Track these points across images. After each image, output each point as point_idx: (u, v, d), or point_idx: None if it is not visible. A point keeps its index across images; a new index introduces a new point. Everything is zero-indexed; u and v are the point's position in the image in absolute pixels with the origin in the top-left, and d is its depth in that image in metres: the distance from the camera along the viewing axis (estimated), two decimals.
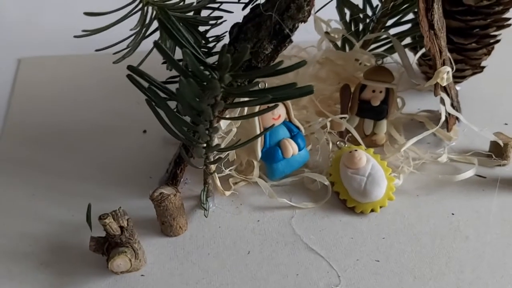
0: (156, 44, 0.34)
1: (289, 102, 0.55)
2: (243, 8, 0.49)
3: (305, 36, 0.64)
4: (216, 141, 0.46)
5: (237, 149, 0.55)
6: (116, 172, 0.57)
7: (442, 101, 0.58)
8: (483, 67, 0.68)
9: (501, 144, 0.58)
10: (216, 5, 0.48)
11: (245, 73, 0.40)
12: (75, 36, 0.38)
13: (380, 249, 0.49)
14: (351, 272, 0.47)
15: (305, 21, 0.42)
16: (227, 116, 0.46)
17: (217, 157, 0.46)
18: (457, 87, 0.72)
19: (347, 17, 0.64)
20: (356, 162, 0.53)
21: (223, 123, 0.48)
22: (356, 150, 0.54)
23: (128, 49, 0.37)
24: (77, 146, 0.62)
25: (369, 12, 0.63)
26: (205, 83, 0.38)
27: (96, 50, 0.41)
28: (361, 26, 0.61)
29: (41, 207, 0.53)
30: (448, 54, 0.62)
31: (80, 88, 0.72)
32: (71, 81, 0.73)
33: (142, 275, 0.46)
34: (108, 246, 0.44)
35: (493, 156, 0.59)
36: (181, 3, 0.40)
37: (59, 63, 0.77)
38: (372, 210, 0.52)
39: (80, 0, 0.57)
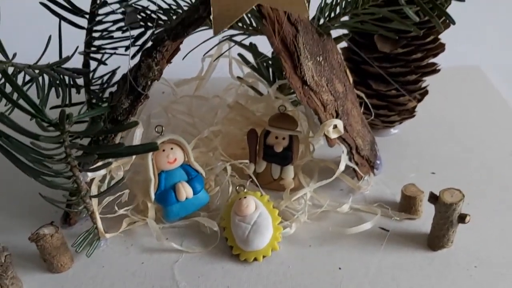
0: None
1: (187, 146, 0.56)
2: (132, 58, 0.51)
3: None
4: (93, 188, 0.49)
5: (135, 189, 0.58)
6: (25, 204, 0.60)
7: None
8: (413, 112, 0.66)
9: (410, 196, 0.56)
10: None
11: (88, 146, 0.42)
12: None
13: None
14: None
15: (157, 80, 0.43)
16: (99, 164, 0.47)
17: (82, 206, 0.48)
18: (394, 130, 0.70)
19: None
20: (243, 209, 0.53)
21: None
22: (245, 197, 0.54)
23: None
24: None
25: None
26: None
27: None
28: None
29: None
30: (366, 100, 0.62)
31: None
32: None
33: None
34: None
35: (401, 208, 0.57)
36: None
37: None
38: (255, 259, 0.52)
39: None
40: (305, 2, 0.40)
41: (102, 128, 0.41)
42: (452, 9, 0.53)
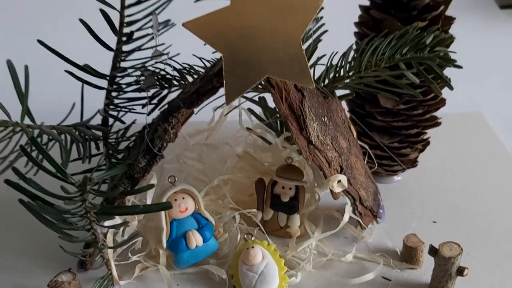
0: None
1: (198, 196, 0.59)
2: (148, 115, 0.55)
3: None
4: (109, 237, 0.52)
5: (148, 236, 0.61)
6: (44, 249, 0.62)
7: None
8: (415, 163, 0.68)
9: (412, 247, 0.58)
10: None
11: (105, 207, 0.45)
12: None
13: None
14: None
15: (172, 142, 0.47)
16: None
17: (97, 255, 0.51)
18: (397, 177, 0.72)
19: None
20: (251, 259, 0.56)
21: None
22: (253, 247, 0.57)
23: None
24: (18, 222, 0.66)
25: None
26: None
27: None
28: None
29: None
30: (370, 151, 0.64)
31: None
32: None
33: None
34: None
35: (403, 258, 0.59)
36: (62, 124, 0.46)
37: None
38: None
39: None
40: (311, 75, 0.43)
41: (121, 191, 0.45)
42: (456, 55, 0.56)
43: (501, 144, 0.79)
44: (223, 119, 0.64)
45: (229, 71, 0.43)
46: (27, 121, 0.45)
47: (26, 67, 0.42)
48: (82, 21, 0.46)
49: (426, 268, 0.58)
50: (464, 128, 0.82)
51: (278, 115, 0.65)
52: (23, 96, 0.43)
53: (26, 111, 0.44)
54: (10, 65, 0.42)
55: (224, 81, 0.43)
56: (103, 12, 0.45)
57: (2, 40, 1.01)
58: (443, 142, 0.77)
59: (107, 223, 0.50)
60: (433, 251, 0.55)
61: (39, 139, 0.46)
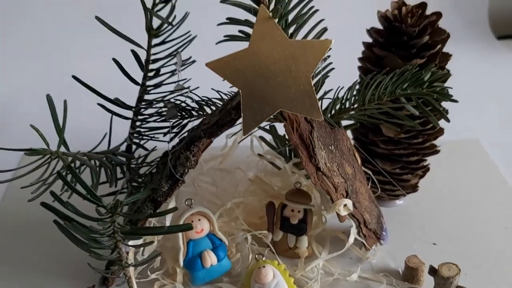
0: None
1: (213, 218, 0.63)
2: (169, 142, 0.60)
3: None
4: (130, 255, 0.56)
5: (165, 256, 0.65)
6: (73, 268, 0.66)
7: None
8: (416, 188, 0.73)
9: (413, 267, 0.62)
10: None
11: (132, 228, 0.49)
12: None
13: None
14: None
15: (193, 168, 0.51)
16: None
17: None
18: (399, 201, 0.77)
19: None
20: (262, 277, 0.60)
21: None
22: (264, 266, 0.61)
23: (35, 194, 0.48)
24: (45, 240, 0.71)
25: None
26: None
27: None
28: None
29: None
30: (373, 177, 0.69)
31: None
32: None
33: None
34: None
35: (405, 277, 0.63)
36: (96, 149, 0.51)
37: None
38: None
39: None
40: (320, 109, 0.48)
41: (148, 214, 0.49)
42: (454, 84, 0.60)
43: (497, 169, 0.83)
44: (236, 145, 0.68)
45: (246, 105, 0.48)
46: (62, 149, 0.50)
47: (65, 102, 0.47)
48: (115, 60, 0.51)
49: (426, 287, 0.62)
50: (463, 154, 0.87)
51: (287, 143, 0.70)
52: (60, 129, 0.47)
53: (63, 142, 0.48)
54: (49, 100, 0.47)
55: (242, 114, 0.48)
56: (133, 53, 0.50)
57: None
58: (442, 168, 0.81)
59: (131, 242, 0.54)
60: (432, 271, 0.59)
61: (72, 165, 0.50)
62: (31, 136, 0.49)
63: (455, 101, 0.55)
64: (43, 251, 0.69)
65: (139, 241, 0.57)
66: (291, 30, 0.52)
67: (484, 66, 1.20)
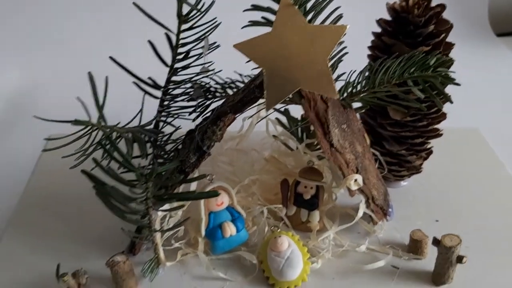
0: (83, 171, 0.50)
1: (232, 192, 0.68)
2: (193, 121, 0.65)
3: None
4: (157, 222, 0.61)
5: (188, 226, 0.70)
6: (103, 237, 0.72)
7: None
8: (420, 169, 0.78)
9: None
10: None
11: (165, 193, 0.54)
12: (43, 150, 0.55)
13: None
14: None
15: (218, 141, 0.56)
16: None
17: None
18: (404, 183, 0.82)
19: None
20: (278, 246, 0.65)
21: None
22: (280, 236, 0.66)
23: (78, 160, 0.53)
24: (77, 214, 0.77)
25: None
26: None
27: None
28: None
29: (36, 260, 0.69)
30: (380, 158, 0.74)
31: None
32: None
33: None
34: None
35: (410, 250, 0.68)
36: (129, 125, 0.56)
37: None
38: None
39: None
40: (335, 87, 0.53)
41: (179, 179, 0.54)
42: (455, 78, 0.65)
43: (495, 154, 0.88)
44: (253, 127, 0.73)
45: (269, 83, 0.53)
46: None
47: (106, 78, 0.52)
48: (150, 42, 0.56)
49: (429, 259, 0.67)
50: (463, 141, 0.92)
51: (299, 123, 0.75)
52: (99, 105, 0.52)
53: (102, 116, 0.53)
54: (91, 77, 0.52)
55: (265, 92, 0.53)
56: (167, 36, 0.55)
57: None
58: (444, 153, 0.86)
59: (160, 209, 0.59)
60: (436, 241, 0.64)
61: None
62: (51, 125, 0.54)
63: (458, 84, 0.61)
64: (73, 222, 0.75)
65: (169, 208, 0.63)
66: (309, 17, 0.57)
67: (483, 62, 1.25)
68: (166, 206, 0.59)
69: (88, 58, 1.11)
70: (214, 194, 0.54)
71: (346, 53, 0.63)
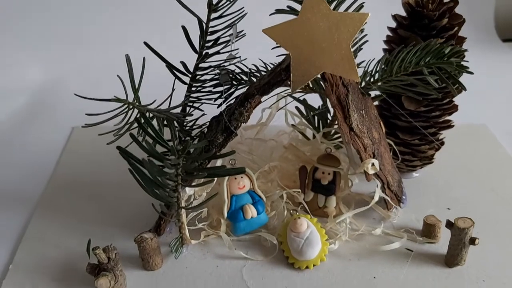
0: (132, 135, 0.53)
1: (253, 176, 0.71)
2: (218, 107, 0.68)
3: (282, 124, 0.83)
4: (183, 202, 0.64)
5: (210, 210, 0.73)
6: (128, 219, 0.75)
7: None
8: (432, 159, 0.81)
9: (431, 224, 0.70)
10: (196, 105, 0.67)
11: (196, 168, 0.57)
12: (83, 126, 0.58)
13: None
14: None
15: (245, 122, 0.60)
16: (194, 184, 0.63)
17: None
18: (416, 174, 0.85)
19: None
20: (298, 227, 0.68)
21: (188, 189, 0.65)
22: (299, 218, 0.69)
23: (115, 137, 0.56)
24: (102, 197, 0.80)
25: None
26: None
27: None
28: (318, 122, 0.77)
29: (64, 239, 0.72)
30: (395, 147, 0.77)
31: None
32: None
33: None
34: (98, 270, 0.62)
35: (423, 234, 0.71)
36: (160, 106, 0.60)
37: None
38: (307, 267, 0.66)
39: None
40: (357, 71, 0.57)
41: (211, 154, 0.57)
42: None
43: (503, 148, 0.92)
44: (273, 116, 0.77)
45: (295, 66, 0.57)
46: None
47: (143, 59, 0.56)
48: (183, 27, 0.60)
49: (442, 242, 0.70)
50: (472, 136, 0.96)
51: (316, 111, 0.78)
52: (135, 87, 0.56)
53: (137, 97, 0.57)
54: (128, 59, 0.56)
55: (291, 74, 0.57)
56: (199, 23, 0.59)
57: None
58: (455, 147, 0.89)
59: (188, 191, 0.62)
60: (449, 224, 0.66)
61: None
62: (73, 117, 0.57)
63: (471, 73, 0.64)
64: (102, 205, 0.79)
65: (190, 192, 0.66)
66: (332, 6, 0.61)
67: (489, 68, 1.28)
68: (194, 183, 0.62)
69: (108, 53, 1.16)
70: (241, 170, 0.57)
71: (366, 41, 0.66)
